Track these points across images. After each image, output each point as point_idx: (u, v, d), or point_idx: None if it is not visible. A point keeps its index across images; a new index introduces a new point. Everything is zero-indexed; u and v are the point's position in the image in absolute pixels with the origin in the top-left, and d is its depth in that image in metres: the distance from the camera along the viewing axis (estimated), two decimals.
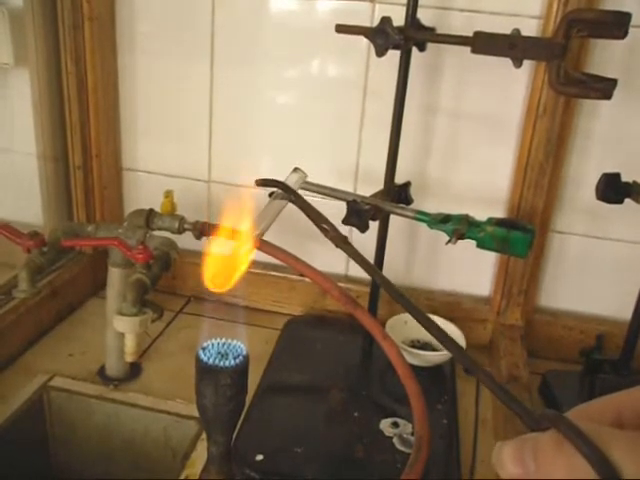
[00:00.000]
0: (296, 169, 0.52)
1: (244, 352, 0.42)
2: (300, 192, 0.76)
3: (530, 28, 0.81)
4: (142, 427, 0.78)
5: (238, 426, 0.45)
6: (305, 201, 0.44)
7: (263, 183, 0.46)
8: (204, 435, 0.69)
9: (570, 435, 0.24)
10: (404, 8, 0.71)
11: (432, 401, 0.77)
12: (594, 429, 0.24)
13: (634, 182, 0.71)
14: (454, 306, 0.94)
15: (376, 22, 0.70)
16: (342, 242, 0.43)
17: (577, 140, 0.86)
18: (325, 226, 0.43)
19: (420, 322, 0.34)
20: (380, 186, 0.78)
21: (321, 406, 0.76)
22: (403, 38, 0.69)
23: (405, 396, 0.54)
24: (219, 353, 0.41)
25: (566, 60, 0.64)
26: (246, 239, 0.40)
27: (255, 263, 0.53)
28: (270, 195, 0.45)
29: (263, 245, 0.52)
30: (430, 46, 0.76)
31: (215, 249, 0.42)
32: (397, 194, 0.80)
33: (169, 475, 0.71)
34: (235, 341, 0.42)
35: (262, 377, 0.80)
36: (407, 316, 0.91)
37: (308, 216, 0.43)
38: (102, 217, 1.00)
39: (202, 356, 0.41)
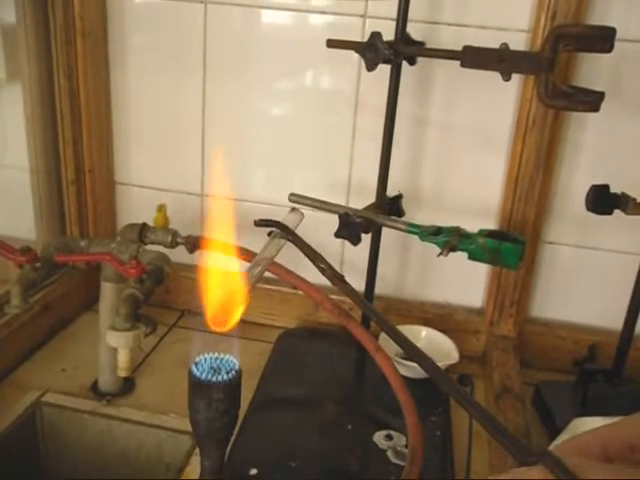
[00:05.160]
0: (293, 209, 0.53)
1: (236, 367, 0.42)
2: (293, 206, 0.77)
3: (518, 42, 0.82)
4: (135, 442, 0.77)
5: (232, 440, 0.45)
6: (303, 241, 0.45)
7: (262, 223, 0.47)
8: (198, 450, 0.69)
9: (556, 470, 0.24)
10: (394, 23, 0.72)
11: (426, 413, 0.77)
12: (579, 464, 0.24)
13: (622, 193, 0.72)
14: (447, 318, 0.95)
15: (367, 37, 0.70)
16: (339, 280, 0.44)
17: (566, 152, 0.87)
18: (322, 265, 0.44)
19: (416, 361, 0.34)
20: (372, 199, 0.79)
21: (315, 419, 0.76)
22: (393, 53, 0.70)
23: (399, 408, 0.54)
24: (212, 368, 0.42)
25: (554, 73, 0.65)
26: (243, 281, 0.41)
27: None
28: (269, 235, 0.46)
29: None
30: (420, 60, 0.77)
31: (213, 284, 0.42)
32: (389, 207, 0.80)
33: None
34: (227, 355, 0.42)
35: (256, 390, 0.80)
36: (401, 328, 0.91)
37: (306, 255, 0.45)
38: (95, 231, 1.00)
39: (195, 371, 0.41)
